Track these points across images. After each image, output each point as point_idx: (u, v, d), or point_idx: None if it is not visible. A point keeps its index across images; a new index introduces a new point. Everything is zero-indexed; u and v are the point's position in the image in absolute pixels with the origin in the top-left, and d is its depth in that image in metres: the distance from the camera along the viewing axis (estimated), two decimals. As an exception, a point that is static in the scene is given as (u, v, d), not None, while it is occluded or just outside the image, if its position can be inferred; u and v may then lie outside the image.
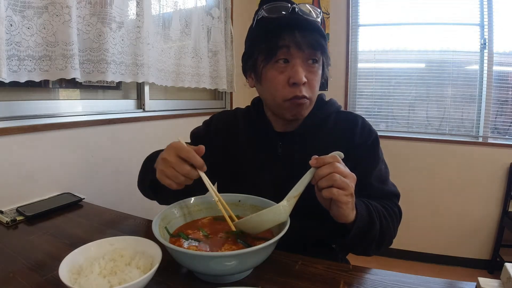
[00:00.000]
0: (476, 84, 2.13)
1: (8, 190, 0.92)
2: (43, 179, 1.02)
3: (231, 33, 2.02)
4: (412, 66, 2.28)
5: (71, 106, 1.20)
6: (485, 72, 2.08)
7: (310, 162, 0.55)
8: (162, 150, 0.81)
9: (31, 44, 0.92)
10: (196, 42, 1.71)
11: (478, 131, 2.15)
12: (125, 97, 1.49)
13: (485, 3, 2.02)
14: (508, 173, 2.03)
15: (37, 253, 0.63)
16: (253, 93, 0.78)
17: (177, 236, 0.59)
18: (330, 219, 0.58)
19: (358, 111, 2.36)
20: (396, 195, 0.74)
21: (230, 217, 0.60)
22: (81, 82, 1.17)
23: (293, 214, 0.56)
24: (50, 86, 1.14)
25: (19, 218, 0.80)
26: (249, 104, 0.87)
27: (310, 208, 0.60)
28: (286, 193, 0.57)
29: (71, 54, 0.97)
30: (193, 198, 0.67)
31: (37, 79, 0.95)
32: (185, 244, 0.56)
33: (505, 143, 2.07)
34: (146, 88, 1.52)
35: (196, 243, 0.56)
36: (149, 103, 1.54)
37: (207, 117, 0.91)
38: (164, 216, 0.60)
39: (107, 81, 1.25)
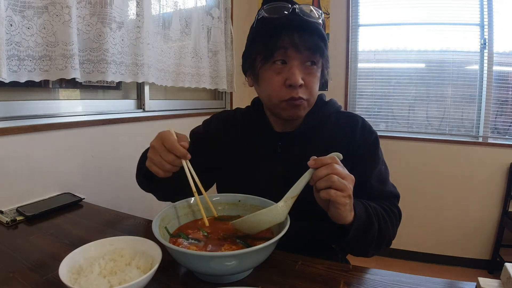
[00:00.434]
0: (476, 84, 2.13)
1: (8, 190, 0.92)
2: (43, 179, 1.02)
3: (231, 33, 2.02)
4: (412, 66, 2.28)
5: (71, 106, 1.20)
6: (485, 72, 2.07)
7: (309, 163, 0.55)
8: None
9: (31, 44, 0.92)
10: (196, 42, 1.71)
11: (478, 131, 2.15)
12: (125, 97, 1.49)
13: (485, 3, 2.02)
14: (508, 173, 2.03)
15: (37, 253, 0.63)
16: (253, 93, 0.78)
17: (177, 236, 0.59)
18: (329, 220, 0.58)
19: (358, 111, 2.36)
20: (396, 196, 0.74)
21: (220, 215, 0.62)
22: (81, 82, 1.17)
23: (293, 214, 0.56)
24: (50, 86, 1.14)
25: (19, 218, 0.80)
26: (249, 104, 0.87)
27: (310, 208, 0.60)
28: (284, 192, 0.57)
29: (71, 54, 0.97)
30: (193, 198, 0.67)
31: (37, 79, 0.95)
32: (185, 244, 0.56)
33: (505, 143, 2.07)
34: (146, 88, 1.52)
35: (196, 243, 0.56)
36: (149, 103, 1.54)
37: (207, 117, 0.91)
38: (164, 216, 0.60)
39: (107, 81, 1.25)
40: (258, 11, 0.72)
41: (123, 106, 1.44)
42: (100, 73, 1.11)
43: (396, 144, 2.23)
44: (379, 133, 0.77)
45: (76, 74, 0.99)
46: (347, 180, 0.53)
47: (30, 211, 0.83)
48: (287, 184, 0.58)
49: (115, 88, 1.43)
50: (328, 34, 2.26)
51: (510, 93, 2.11)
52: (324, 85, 0.75)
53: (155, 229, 0.53)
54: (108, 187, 1.27)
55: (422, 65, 2.26)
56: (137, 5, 1.28)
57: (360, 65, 2.32)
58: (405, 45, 2.24)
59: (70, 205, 0.93)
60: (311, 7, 0.68)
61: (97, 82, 1.23)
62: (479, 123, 2.15)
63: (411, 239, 2.19)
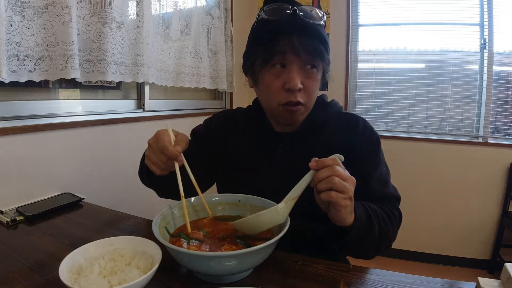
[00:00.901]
0: (476, 84, 2.13)
1: (8, 190, 0.92)
2: (43, 179, 1.02)
3: (231, 33, 2.02)
4: (412, 66, 2.28)
5: (71, 106, 1.20)
6: (485, 72, 2.08)
7: (310, 164, 0.54)
8: None
9: (31, 44, 0.92)
10: (196, 42, 1.71)
11: (478, 131, 2.15)
12: (125, 97, 1.49)
13: (485, 3, 2.02)
14: (508, 173, 2.03)
15: (37, 253, 0.63)
16: (253, 93, 0.78)
17: (177, 236, 0.59)
18: (329, 221, 0.58)
19: (358, 111, 2.36)
20: (397, 198, 0.73)
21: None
22: (81, 82, 1.17)
23: (293, 215, 0.56)
24: (50, 86, 1.14)
25: (19, 218, 0.80)
26: (250, 104, 0.87)
27: (310, 209, 0.60)
28: (285, 193, 0.57)
29: (71, 54, 0.97)
30: (193, 198, 0.67)
31: (37, 79, 0.95)
32: (185, 244, 0.56)
33: (505, 143, 2.07)
34: (146, 88, 1.52)
35: (196, 243, 0.56)
36: (149, 103, 1.54)
37: (207, 117, 0.91)
38: (164, 216, 0.60)
39: (107, 81, 1.25)
40: (259, 11, 0.71)
41: (123, 106, 1.44)
42: (100, 73, 1.11)
43: (396, 144, 2.23)
44: (379, 133, 0.77)
45: (76, 74, 0.99)
46: (348, 182, 0.53)
47: (30, 211, 0.83)
48: (288, 185, 0.58)
49: (115, 88, 1.43)
50: (328, 34, 2.26)
51: (510, 93, 2.11)
52: (324, 86, 0.75)
53: (155, 229, 0.53)
54: (108, 187, 1.27)
55: (422, 65, 2.26)
56: (137, 5, 1.28)
57: (360, 65, 2.33)
58: (405, 45, 2.24)
59: (70, 205, 0.93)
60: (311, 8, 0.67)
61: (97, 82, 1.23)
62: (479, 123, 2.15)
63: (411, 239, 2.19)
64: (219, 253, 0.51)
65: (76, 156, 1.13)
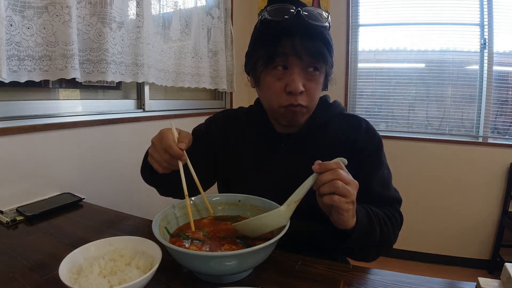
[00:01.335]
0: (476, 84, 2.13)
1: (8, 190, 0.92)
2: (43, 179, 1.02)
3: (231, 33, 2.02)
4: (412, 66, 2.28)
5: (71, 106, 1.20)
6: (485, 72, 2.08)
7: (313, 167, 0.54)
8: None
9: (31, 44, 0.92)
10: (196, 42, 1.71)
11: (478, 131, 2.15)
12: (125, 97, 1.49)
13: (485, 3, 2.02)
14: (508, 173, 2.03)
15: (37, 253, 0.63)
16: (253, 93, 0.78)
17: (177, 236, 0.59)
18: (330, 224, 0.58)
19: (358, 111, 2.36)
20: (398, 201, 0.73)
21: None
22: (81, 82, 1.17)
23: (294, 216, 0.56)
24: (50, 86, 1.14)
25: (19, 218, 0.80)
26: (252, 104, 0.87)
27: (312, 212, 0.60)
28: (286, 194, 0.57)
29: (71, 54, 0.97)
30: (193, 198, 0.67)
31: (37, 79, 0.95)
32: (186, 244, 0.56)
33: (505, 143, 2.07)
34: (146, 88, 1.52)
35: (196, 243, 0.56)
36: (149, 103, 1.54)
37: (207, 117, 0.91)
38: (164, 216, 0.60)
39: (107, 81, 1.25)
40: (262, 11, 0.70)
41: (123, 106, 1.44)
42: (100, 73, 1.12)
43: (396, 144, 2.23)
44: (379, 133, 0.76)
45: (76, 74, 0.99)
46: (351, 186, 0.53)
47: (30, 211, 0.83)
48: (289, 186, 0.58)
49: (115, 88, 1.43)
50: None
51: (510, 93, 2.11)
52: (324, 86, 0.75)
53: (155, 229, 0.53)
54: (108, 187, 1.27)
55: (422, 65, 2.26)
56: (137, 5, 1.28)
57: (360, 65, 2.33)
58: (405, 45, 2.24)
59: (70, 205, 0.93)
60: (316, 9, 0.66)
61: (97, 82, 1.23)
62: (479, 123, 2.15)
63: (411, 239, 2.19)
64: (219, 253, 0.51)
65: (76, 156, 1.13)
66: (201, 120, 0.92)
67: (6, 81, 0.85)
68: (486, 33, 2.04)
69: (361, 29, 2.30)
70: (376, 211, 0.64)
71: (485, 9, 2.03)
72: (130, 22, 1.25)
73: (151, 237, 0.52)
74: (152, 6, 1.38)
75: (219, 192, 0.84)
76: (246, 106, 0.89)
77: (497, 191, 2.07)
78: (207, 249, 0.54)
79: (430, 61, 2.22)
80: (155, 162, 0.63)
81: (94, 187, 1.19)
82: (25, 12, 0.89)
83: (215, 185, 0.88)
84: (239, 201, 0.68)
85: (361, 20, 2.29)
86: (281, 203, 0.57)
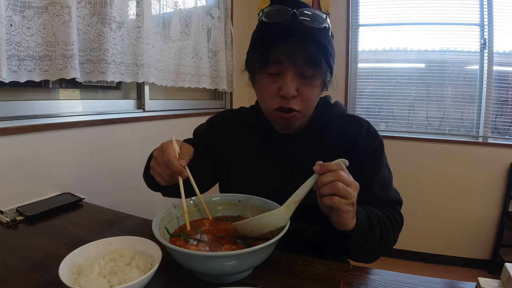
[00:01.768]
0: (476, 84, 2.13)
1: (8, 190, 0.92)
2: (43, 179, 1.02)
3: (231, 33, 2.02)
4: (412, 66, 2.28)
5: (71, 106, 1.20)
6: (485, 72, 2.07)
7: (314, 168, 0.54)
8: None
9: (31, 44, 0.92)
10: (196, 42, 1.71)
11: (478, 131, 2.15)
12: (125, 97, 1.49)
13: (485, 3, 2.02)
14: (508, 173, 2.03)
15: (37, 253, 0.63)
16: (254, 93, 0.77)
17: (177, 236, 0.59)
18: (330, 225, 0.58)
19: (358, 111, 2.36)
20: (399, 202, 0.72)
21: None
22: (81, 82, 1.17)
23: (294, 217, 0.56)
24: (50, 86, 1.14)
25: (19, 218, 0.80)
26: (252, 104, 0.86)
27: (312, 212, 0.60)
28: (286, 195, 0.57)
29: (71, 54, 0.97)
30: (193, 198, 0.67)
31: (37, 79, 0.95)
32: (187, 243, 0.56)
33: (505, 143, 2.07)
34: (146, 88, 1.52)
35: (196, 243, 0.56)
36: (149, 103, 1.54)
37: (207, 117, 0.91)
38: (164, 216, 0.60)
39: (107, 81, 1.25)
40: (261, 12, 0.69)
41: (123, 106, 1.44)
42: (100, 73, 1.12)
43: (396, 144, 2.23)
44: (379, 133, 0.76)
45: (76, 74, 0.99)
46: (352, 188, 0.53)
47: (30, 211, 0.83)
48: (289, 187, 0.58)
49: (115, 88, 1.43)
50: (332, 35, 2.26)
51: (510, 93, 2.11)
52: (322, 88, 0.74)
53: (155, 229, 0.53)
54: (108, 187, 1.27)
55: (422, 65, 2.26)
56: (137, 5, 1.28)
57: (360, 65, 2.32)
58: (405, 45, 2.24)
59: (70, 205, 0.93)
60: (313, 11, 0.64)
61: (97, 82, 1.24)
62: (479, 123, 2.15)
63: (411, 239, 2.19)
64: (219, 253, 0.51)
65: (76, 156, 1.13)
66: (201, 120, 0.92)
67: (6, 81, 0.85)
68: (486, 33, 2.04)
69: (361, 29, 2.30)
70: (376, 213, 0.64)
71: (485, 9, 2.03)
72: (130, 22, 1.25)
73: (151, 237, 0.52)
74: (152, 6, 1.38)
75: (220, 192, 0.84)
76: (247, 106, 0.89)
77: (497, 191, 2.07)
78: (207, 249, 0.54)
79: (430, 61, 2.22)
80: (157, 175, 0.63)
81: (94, 187, 1.19)
82: (25, 12, 0.89)
83: (216, 185, 0.88)
84: (239, 201, 0.68)
85: (361, 20, 2.29)
86: (281, 204, 0.58)
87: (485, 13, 2.03)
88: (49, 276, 0.54)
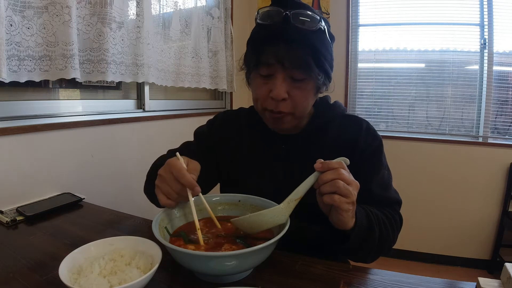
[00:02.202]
0: (476, 84, 2.13)
1: (8, 190, 0.92)
2: (43, 179, 1.02)
3: (231, 33, 2.02)
4: (412, 66, 2.28)
5: (71, 106, 1.20)
6: (485, 72, 2.08)
7: (315, 165, 0.54)
8: (164, 155, 0.80)
9: (31, 44, 0.92)
10: (196, 42, 1.71)
11: (478, 131, 2.15)
12: (125, 97, 1.49)
13: (485, 3, 2.02)
14: (508, 173, 2.03)
15: (37, 253, 0.63)
16: (253, 93, 0.77)
17: (177, 236, 0.59)
18: (329, 224, 0.58)
19: (358, 111, 2.36)
20: (398, 202, 0.73)
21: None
22: (81, 82, 1.17)
23: (294, 216, 0.56)
24: (50, 86, 1.14)
25: (19, 218, 0.80)
26: (253, 104, 0.86)
27: (311, 211, 0.60)
28: (286, 194, 0.57)
29: (71, 54, 0.97)
30: (193, 198, 0.67)
31: (37, 79, 0.95)
32: (185, 244, 0.56)
33: (505, 143, 2.07)
34: (146, 88, 1.52)
35: (196, 243, 0.56)
36: (149, 103, 1.54)
37: (207, 117, 0.91)
38: (164, 216, 0.60)
39: (107, 81, 1.25)
40: (257, 12, 0.70)
41: (123, 106, 1.44)
42: (100, 73, 1.12)
43: (396, 144, 2.23)
44: (379, 133, 0.76)
45: (76, 74, 0.99)
46: (352, 186, 0.53)
47: (30, 211, 0.83)
48: (289, 186, 0.58)
49: (115, 88, 1.43)
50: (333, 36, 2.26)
51: (510, 93, 2.11)
52: (317, 91, 0.73)
53: (155, 229, 0.53)
54: (108, 187, 1.27)
55: (422, 65, 2.26)
56: (137, 5, 1.28)
57: (360, 65, 2.33)
58: (405, 45, 2.24)
59: (70, 205, 0.93)
60: (307, 13, 0.62)
61: (97, 82, 1.24)
62: (479, 123, 2.15)
63: (411, 239, 2.19)
64: (219, 253, 0.51)
65: (76, 156, 1.13)
66: (201, 120, 0.92)
67: (6, 81, 0.85)
68: (486, 33, 2.04)
69: (361, 29, 2.30)
70: (376, 213, 0.64)
71: (485, 9, 2.03)
72: (130, 22, 1.25)
73: (151, 237, 0.52)
74: (152, 6, 1.38)
75: (221, 192, 0.84)
76: (246, 106, 0.89)
77: (497, 191, 2.07)
78: (207, 249, 0.54)
79: (430, 61, 2.22)
80: (162, 194, 0.58)
81: (94, 187, 1.19)
82: (25, 12, 0.89)
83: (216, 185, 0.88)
84: (239, 201, 0.68)
85: (361, 20, 2.29)
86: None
87: (485, 13, 2.03)
88: (49, 276, 0.54)
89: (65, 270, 0.46)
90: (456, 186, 2.14)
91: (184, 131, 0.81)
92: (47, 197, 0.98)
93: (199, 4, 1.75)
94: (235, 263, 0.47)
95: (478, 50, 2.08)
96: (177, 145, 0.86)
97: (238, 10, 2.15)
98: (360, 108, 2.38)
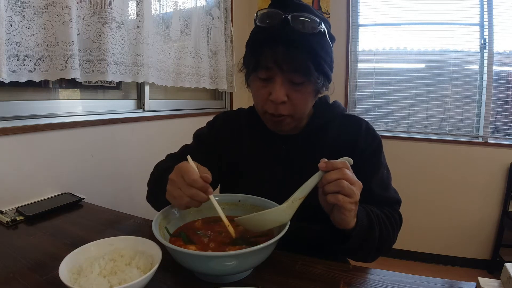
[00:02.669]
0: (476, 84, 2.13)
1: (8, 190, 0.92)
2: (43, 179, 1.02)
3: (231, 33, 2.02)
4: (412, 66, 2.28)
5: (71, 106, 1.20)
6: (485, 72, 2.07)
7: (319, 165, 0.54)
8: (164, 160, 0.80)
9: (31, 44, 0.92)
10: (196, 42, 1.71)
11: (478, 131, 2.15)
12: (125, 97, 1.49)
13: (485, 3, 2.02)
14: (508, 173, 2.03)
15: (37, 253, 0.63)
16: (253, 93, 0.77)
17: (177, 236, 0.59)
18: (330, 223, 0.58)
19: (358, 111, 2.36)
20: (397, 202, 0.73)
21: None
22: (81, 82, 1.17)
23: (294, 215, 0.56)
24: (50, 86, 1.14)
25: (19, 218, 0.80)
26: (252, 105, 0.86)
27: (312, 211, 0.60)
28: (286, 195, 0.57)
29: (71, 54, 0.97)
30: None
31: (37, 79, 0.95)
32: (185, 244, 0.56)
33: (505, 143, 2.07)
34: (146, 88, 1.52)
35: (196, 243, 0.56)
36: (149, 103, 1.54)
37: (207, 117, 0.91)
38: (164, 216, 0.60)
39: (107, 81, 1.25)
40: (256, 14, 0.69)
41: (123, 106, 1.44)
42: (100, 73, 1.11)
43: (396, 144, 2.23)
44: (379, 133, 0.77)
45: (76, 74, 0.99)
46: (356, 186, 0.53)
47: (30, 211, 0.83)
48: (289, 186, 0.58)
49: (115, 88, 1.43)
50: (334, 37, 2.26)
51: (510, 93, 2.11)
52: (316, 93, 0.73)
53: (155, 229, 0.53)
54: (108, 187, 1.27)
55: (422, 65, 2.26)
56: (137, 5, 1.28)
57: (360, 65, 2.33)
58: (405, 45, 2.24)
59: (70, 205, 0.93)
60: (306, 16, 0.61)
61: (97, 82, 1.23)
62: (479, 123, 2.15)
63: (411, 239, 2.19)
64: (219, 253, 0.51)
65: (76, 156, 1.13)
66: (201, 120, 0.92)
67: (6, 81, 0.85)
68: (486, 33, 2.04)
69: (361, 29, 2.30)
70: (376, 212, 0.64)
71: (485, 9, 2.03)
72: (130, 22, 1.25)
73: (151, 237, 0.52)
74: (152, 6, 1.38)
75: (221, 193, 0.84)
76: (246, 106, 0.89)
77: (497, 191, 2.07)
78: (208, 249, 0.54)
79: (430, 61, 2.22)
80: (174, 199, 0.57)
81: (94, 187, 1.19)
82: (25, 12, 0.89)
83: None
84: (239, 201, 0.68)
85: (361, 20, 2.29)
86: (281, 204, 0.57)
87: (485, 13, 2.03)
88: (49, 276, 0.54)
89: (65, 270, 0.46)
90: (456, 186, 2.14)
91: (184, 131, 0.80)
92: (47, 197, 0.98)
93: (199, 4, 1.75)
94: (235, 263, 0.47)
95: (478, 50, 2.08)
96: (177, 145, 0.86)
97: (238, 10, 2.15)
98: (360, 108, 2.38)
